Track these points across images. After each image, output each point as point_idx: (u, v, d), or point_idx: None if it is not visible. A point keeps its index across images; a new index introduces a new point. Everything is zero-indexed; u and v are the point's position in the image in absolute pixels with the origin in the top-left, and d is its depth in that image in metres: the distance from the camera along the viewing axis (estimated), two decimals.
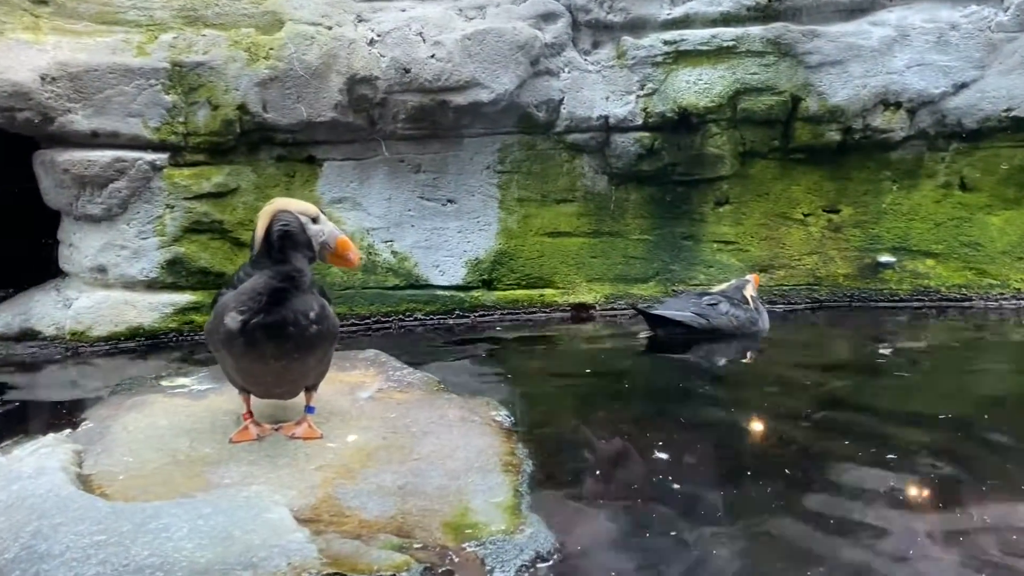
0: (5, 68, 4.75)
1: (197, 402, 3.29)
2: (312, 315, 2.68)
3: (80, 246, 5.20)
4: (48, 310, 5.15)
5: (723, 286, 5.19)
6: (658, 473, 2.77)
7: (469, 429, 3.02)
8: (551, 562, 2.14)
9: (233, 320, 2.62)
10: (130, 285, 5.20)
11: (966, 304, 5.79)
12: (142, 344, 5.09)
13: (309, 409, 3.02)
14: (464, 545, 2.17)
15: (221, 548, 2.06)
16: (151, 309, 5.16)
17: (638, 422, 3.33)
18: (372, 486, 2.54)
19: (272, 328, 2.62)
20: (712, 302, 4.93)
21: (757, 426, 3.38)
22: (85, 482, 2.55)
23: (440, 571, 2.05)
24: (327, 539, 2.16)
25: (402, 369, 3.74)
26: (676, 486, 2.66)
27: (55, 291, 5.28)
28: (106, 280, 5.20)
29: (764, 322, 5.05)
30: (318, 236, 2.80)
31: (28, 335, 5.09)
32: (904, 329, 5.41)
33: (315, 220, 2.82)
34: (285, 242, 2.72)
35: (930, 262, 5.91)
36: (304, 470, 2.64)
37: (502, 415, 3.20)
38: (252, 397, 2.97)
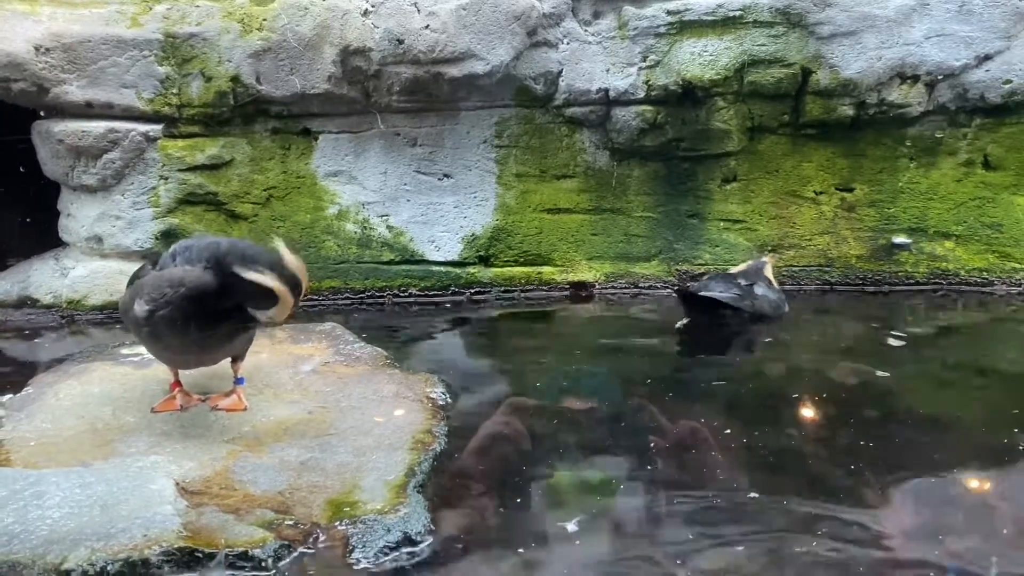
0: (0, 39, 4.82)
1: (138, 371, 3.29)
2: None
3: (77, 216, 5.28)
4: (46, 278, 5.25)
5: (741, 267, 4.97)
6: (573, 460, 2.66)
7: (398, 405, 2.97)
8: (419, 544, 2.06)
9: (140, 308, 2.58)
10: (125, 255, 5.25)
11: (987, 289, 5.47)
12: None
13: (239, 380, 2.99)
14: (336, 523, 2.12)
15: (87, 518, 2.04)
16: None
17: (587, 404, 3.20)
18: (275, 460, 2.50)
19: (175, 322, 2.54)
20: (748, 283, 4.68)
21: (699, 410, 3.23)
22: None
23: (299, 549, 2.00)
24: (201, 512, 2.12)
25: (354, 343, 3.70)
26: (588, 476, 2.55)
27: (54, 260, 5.38)
28: (102, 250, 5.27)
29: (785, 304, 4.84)
30: (260, 316, 2.57)
31: (27, 302, 5.20)
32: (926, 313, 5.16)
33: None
34: (250, 286, 2.49)
35: (949, 244, 5.61)
36: (214, 442, 2.62)
37: (438, 392, 3.13)
38: None
